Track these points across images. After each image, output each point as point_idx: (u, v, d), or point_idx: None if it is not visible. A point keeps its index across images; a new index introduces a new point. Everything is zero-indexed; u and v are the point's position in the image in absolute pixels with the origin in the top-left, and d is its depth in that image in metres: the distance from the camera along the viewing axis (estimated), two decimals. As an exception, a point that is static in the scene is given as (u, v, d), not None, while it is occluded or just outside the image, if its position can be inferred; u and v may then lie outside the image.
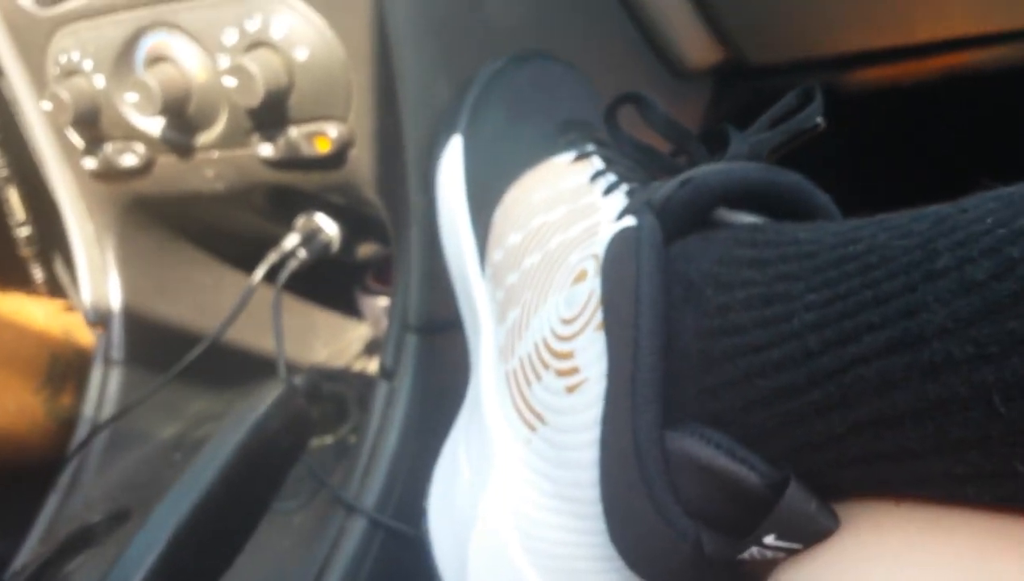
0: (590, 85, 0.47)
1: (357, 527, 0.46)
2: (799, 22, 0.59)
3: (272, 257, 0.58)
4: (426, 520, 0.37)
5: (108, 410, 0.62)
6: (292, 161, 0.52)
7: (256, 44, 0.48)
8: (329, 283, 0.70)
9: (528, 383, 0.30)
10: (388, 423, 0.48)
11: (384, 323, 0.66)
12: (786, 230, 0.24)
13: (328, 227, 0.60)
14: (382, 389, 0.50)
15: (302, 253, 0.59)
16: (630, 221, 0.27)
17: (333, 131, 0.49)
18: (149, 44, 0.52)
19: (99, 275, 0.63)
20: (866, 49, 0.61)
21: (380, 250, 0.65)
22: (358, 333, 0.77)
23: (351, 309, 0.74)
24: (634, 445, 0.23)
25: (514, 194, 0.38)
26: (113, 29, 0.53)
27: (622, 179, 0.34)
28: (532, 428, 0.29)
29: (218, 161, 0.55)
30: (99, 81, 0.54)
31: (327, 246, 0.60)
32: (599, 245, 0.28)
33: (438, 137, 0.44)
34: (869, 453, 0.20)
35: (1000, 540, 0.18)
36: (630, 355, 0.24)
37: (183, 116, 0.53)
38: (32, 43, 0.57)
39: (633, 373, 0.24)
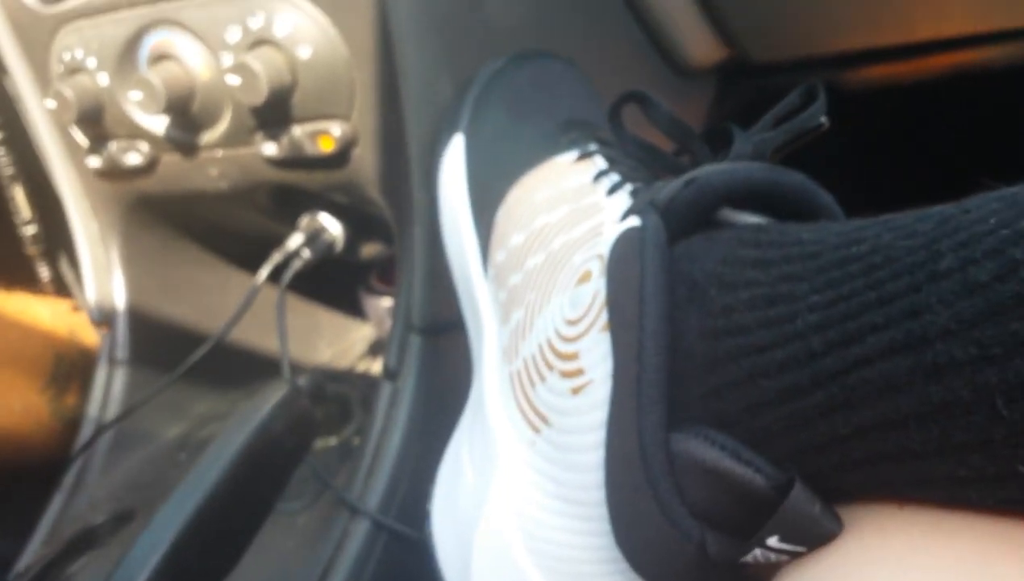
0: (590, 84, 0.47)
1: (361, 528, 0.46)
2: (802, 21, 0.58)
3: (276, 257, 0.58)
4: (429, 523, 0.37)
5: (112, 410, 0.62)
6: (296, 160, 0.52)
7: (259, 42, 0.48)
8: (333, 283, 0.70)
9: (532, 384, 0.30)
10: (392, 424, 0.48)
11: (388, 324, 0.66)
12: (790, 230, 0.24)
13: (332, 227, 0.60)
14: (386, 390, 0.50)
15: (306, 253, 0.59)
16: (634, 221, 0.27)
17: (336, 130, 0.49)
18: (153, 42, 0.52)
19: (103, 274, 0.63)
20: (868, 47, 0.60)
21: (384, 250, 0.65)
22: (362, 333, 0.77)
23: (355, 309, 0.74)
24: (639, 447, 0.23)
25: (516, 194, 0.38)
26: (117, 27, 0.53)
27: (625, 179, 0.34)
28: (536, 430, 0.29)
29: (222, 160, 0.55)
30: (103, 79, 0.54)
31: (331, 246, 0.60)
32: (603, 245, 0.28)
33: (440, 136, 0.44)
34: (872, 455, 0.20)
35: (1003, 543, 0.18)
36: (635, 356, 0.24)
37: (187, 114, 0.53)
38: (36, 40, 0.57)
39: (638, 374, 0.24)
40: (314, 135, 0.50)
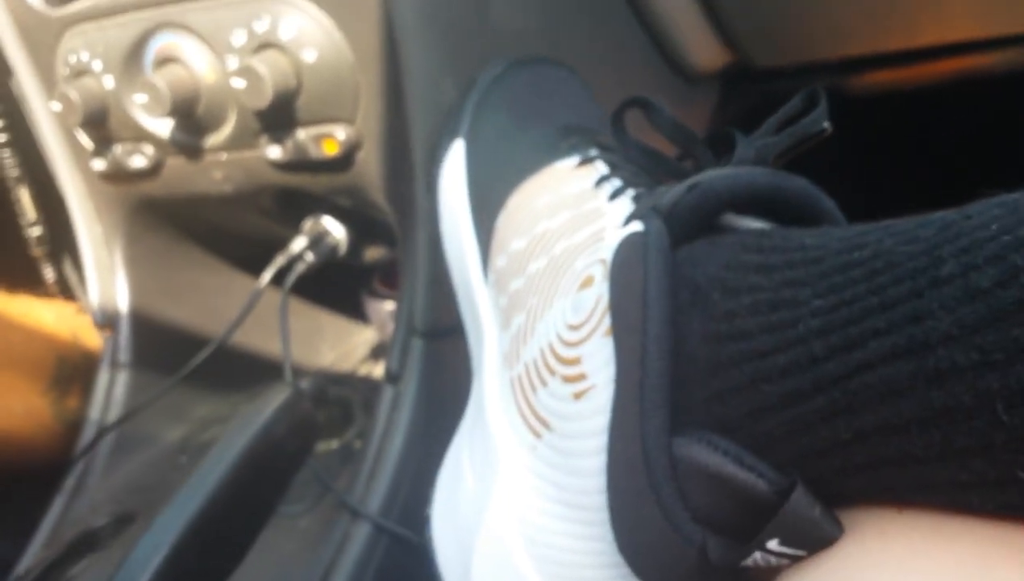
0: (589, 89, 0.47)
1: (361, 532, 0.46)
2: (806, 26, 0.59)
3: (279, 260, 0.58)
4: (430, 528, 0.37)
5: (114, 413, 0.62)
6: (300, 163, 0.52)
7: (265, 45, 0.48)
8: (335, 286, 0.71)
9: (534, 389, 0.30)
10: (393, 427, 0.48)
11: (390, 327, 0.66)
12: (792, 236, 0.24)
13: (335, 230, 0.60)
14: (387, 393, 0.50)
15: (309, 256, 0.59)
16: (637, 226, 0.27)
17: (341, 133, 0.50)
18: (158, 45, 0.52)
19: (107, 277, 0.63)
20: (872, 53, 0.60)
21: (387, 253, 0.65)
22: (364, 337, 0.77)
23: (357, 313, 0.74)
24: (642, 451, 0.23)
25: (517, 199, 0.38)
26: (122, 30, 0.53)
27: (627, 184, 0.34)
28: (538, 435, 0.29)
29: (226, 163, 0.55)
30: (108, 82, 0.54)
31: (334, 249, 0.60)
32: (606, 250, 0.28)
33: (440, 141, 0.44)
34: (874, 460, 0.20)
35: (1003, 548, 0.18)
36: (638, 361, 0.24)
37: (192, 117, 0.53)
38: (42, 43, 0.57)
39: (641, 379, 0.24)
40: (318, 138, 0.50)
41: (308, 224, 0.60)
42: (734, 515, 0.22)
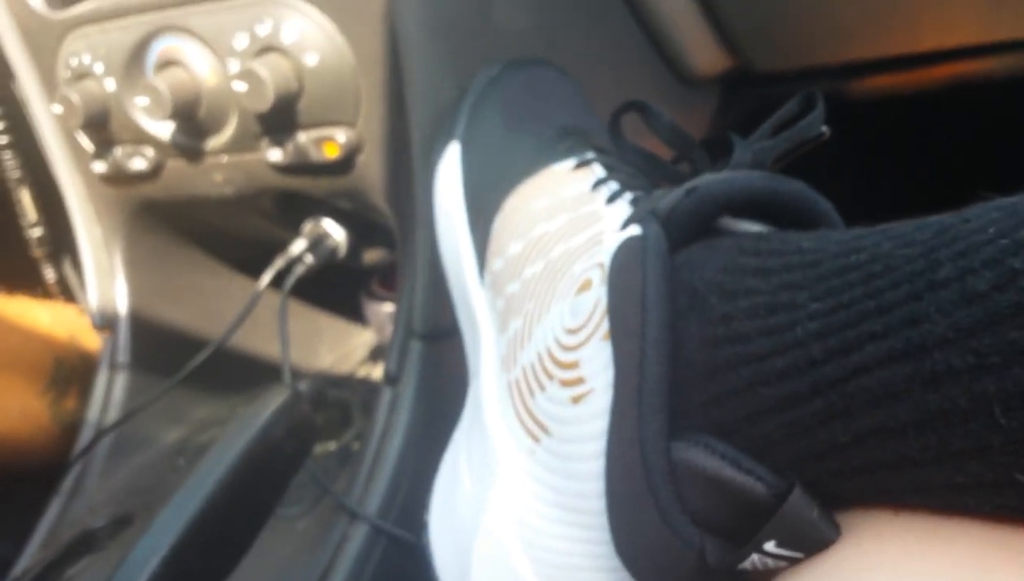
0: (583, 91, 0.47)
1: (360, 533, 0.46)
2: (806, 30, 0.59)
3: (279, 262, 0.58)
4: (427, 532, 0.37)
5: (112, 414, 0.62)
6: (300, 166, 0.52)
7: (266, 49, 0.48)
8: (335, 288, 0.71)
9: (531, 393, 0.30)
10: (392, 429, 0.48)
11: (389, 329, 0.66)
12: (790, 239, 0.24)
13: (335, 232, 0.60)
14: (386, 395, 0.50)
15: (309, 258, 0.59)
16: (635, 230, 0.27)
17: (342, 136, 0.50)
18: (160, 48, 0.52)
19: (106, 278, 0.63)
20: (872, 57, 0.61)
21: (386, 256, 0.65)
22: (363, 339, 0.77)
23: (356, 315, 0.74)
24: (640, 455, 0.23)
25: (514, 202, 0.38)
26: (124, 33, 0.53)
27: (624, 187, 0.34)
28: (536, 439, 0.29)
29: (227, 165, 0.55)
30: (110, 84, 0.54)
31: (334, 251, 0.60)
32: (604, 254, 0.28)
33: (435, 143, 0.45)
34: (871, 462, 0.20)
35: (1000, 549, 0.18)
36: (636, 365, 0.24)
37: (193, 120, 0.53)
38: (43, 46, 0.57)
39: (639, 383, 0.24)
40: (319, 141, 0.50)
41: (308, 226, 0.60)
42: (732, 518, 0.22)
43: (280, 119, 0.50)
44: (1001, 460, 0.18)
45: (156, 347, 0.64)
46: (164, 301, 0.65)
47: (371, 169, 0.51)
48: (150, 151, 0.56)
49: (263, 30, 0.48)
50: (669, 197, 0.27)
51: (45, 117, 0.60)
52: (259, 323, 0.62)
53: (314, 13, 0.47)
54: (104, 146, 0.58)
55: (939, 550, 0.19)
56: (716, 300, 0.24)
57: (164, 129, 0.55)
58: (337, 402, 0.65)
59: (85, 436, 0.60)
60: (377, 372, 0.74)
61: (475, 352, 0.39)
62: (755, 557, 0.22)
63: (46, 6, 0.56)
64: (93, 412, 0.61)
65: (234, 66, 0.50)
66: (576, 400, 0.27)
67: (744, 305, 0.23)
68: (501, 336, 0.35)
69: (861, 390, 0.19)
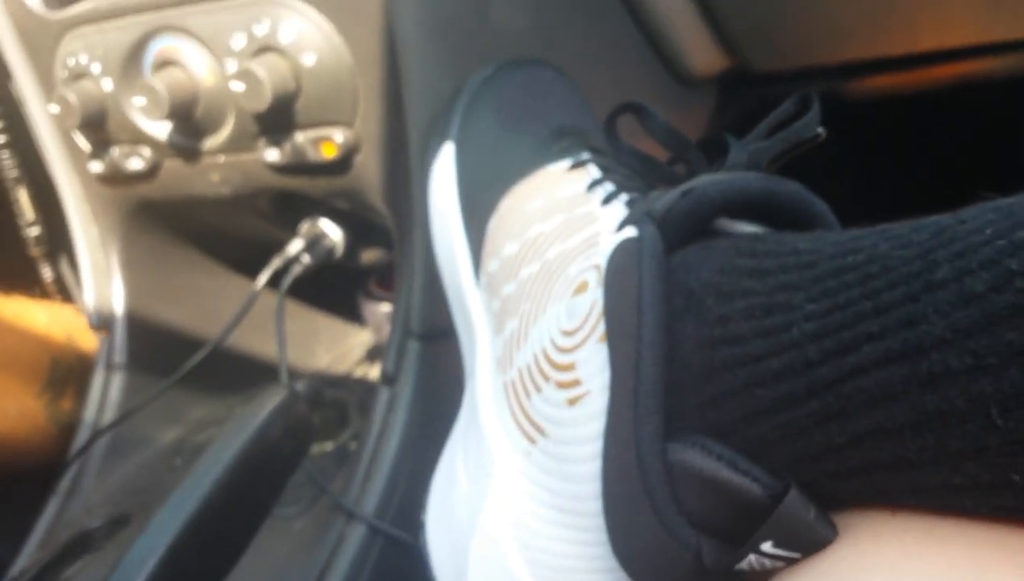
0: (580, 91, 0.47)
1: (357, 533, 0.46)
2: (804, 30, 0.59)
3: (276, 262, 0.58)
4: (424, 532, 0.37)
5: (109, 414, 0.62)
6: (298, 166, 0.52)
7: (264, 49, 0.48)
8: (332, 288, 0.71)
9: (528, 395, 0.30)
10: (389, 429, 0.48)
11: (386, 329, 0.66)
12: (786, 240, 0.24)
13: (332, 232, 0.60)
14: (383, 395, 0.50)
15: (306, 258, 0.59)
16: (631, 232, 0.27)
17: (339, 136, 0.50)
18: (157, 48, 0.52)
19: (103, 279, 0.63)
20: (871, 57, 0.61)
21: (383, 256, 0.65)
22: (360, 339, 0.77)
23: (353, 315, 0.74)
24: (637, 457, 0.23)
25: (509, 203, 0.38)
26: (122, 33, 0.53)
27: (619, 188, 0.34)
28: (532, 440, 0.29)
29: (224, 166, 0.55)
30: (107, 84, 0.54)
31: (331, 252, 0.60)
32: (600, 256, 0.28)
33: (429, 143, 0.45)
34: (868, 463, 0.20)
35: (996, 550, 0.18)
36: (633, 367, 0.24)
37: (190, 120, 0.53)
38: (41, 46, 0.57)
39: (635, 385, 0.24)
40: (317, 141, 0.50)
41: (305, 226, 0.60)
42: (729, 519, 0.22)
43: (277, 119, 0.50)
44: (998, 461, 0.18)
45: (153, 347, 0.64)
46: (161, 301, 0.65)
47: (368, 169, 0.51)
48: (147, 151, 0.56)
49: (261, 30, 0.48)
50: (665, 198, 0.27)
51: (42, 117, 0.60)
52: (256, 323, 0.61)
53: (312, 13, 0.47)
54: (101, 146, 0.58)
55: (936, 550, 0.19)
56: (712, 301, 0.24)
57: (161, 129, 0.55)
58: (334, 402, 0.65)
59: (82, 436, 0.60)
60: (374, 372, 0.74)
61: (471, 353, 0.39)
62: (752, 558, 0.22)
63: (43, 6, 0.56)
64: (90, 412, 0.61)
65: (231, 66, 0.50)
66: (572, 402, 0.27)
67: (740, 306, 0.23)
68: (497, 337, 0.35)
69: (857, 391, 0.19)
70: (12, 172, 0.66)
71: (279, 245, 0.59)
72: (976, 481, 0.18)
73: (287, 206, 0.59)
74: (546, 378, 0.29)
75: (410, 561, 0.45)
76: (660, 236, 0.26)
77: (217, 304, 0.67)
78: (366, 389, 0.66)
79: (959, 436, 0.18)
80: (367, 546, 0.46)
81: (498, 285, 0.36)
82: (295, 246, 0.59)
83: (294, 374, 0.70)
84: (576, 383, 0.27)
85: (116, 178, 0.59)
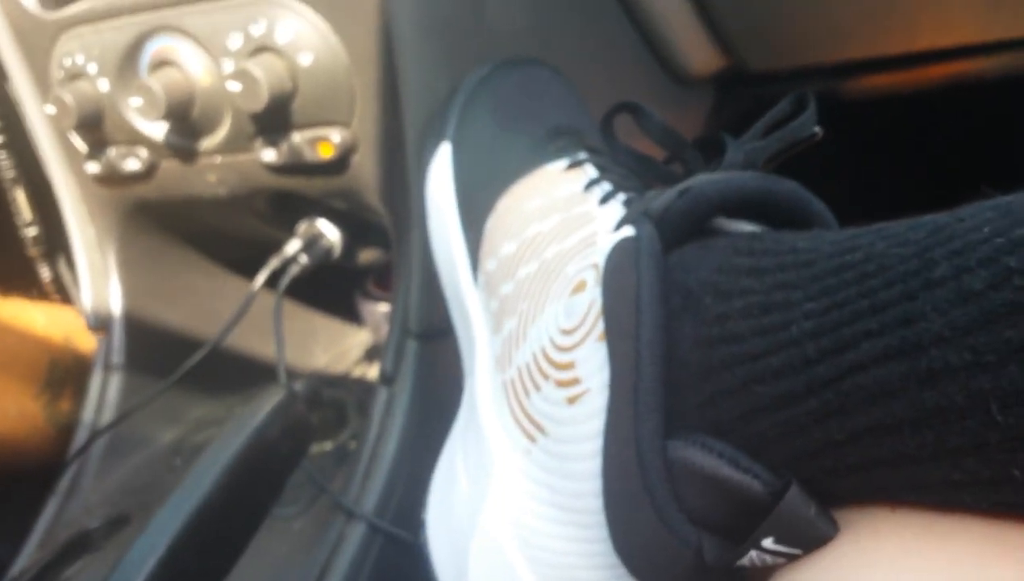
0: (576, 90, 0.47)
1: (356, 533, 0.46)
2: (801, 29, 0.59)
3: (273, 262, 0.58)
4: (424, 531, 0.37)
5: (108, 415, 0.62)
6: (295, 166, 0.52)
7: (261, 49, 0.48)
8: (330, 289, 0.71)
9: (527, 393, 0.30)
10: (388, 429, 0.48)
11: (384, 329, 0.66)
12: (784, 239, 0.24)
13: (330, 233, 0.60)
14: (382, 395, 0.50)
15: (303, 259, 0.59)
16: (629, 231, 0.27)
17: (336, 136, 0.50)
18: (154, 48, 0.52)
19: (100, 279, 0.63)
20: (868, 57, 0.61)
21: (381, 256, 0.65)
22: (358, 339, 0.77)
23: (352, 315, 0.74)
24: (636, 455, 0.23)
25: (506, 203, 0.38)
26: (118, 33, 0.53)
27: (617, 188, 0.34)
28: (532, 439, 0.29)
29: (221, 166, 0.55)
30: (103, 85, 0.54)
31: (329, 252, 0.60)
32: (598, 255, 0.28)
33: (426, 144, 0.45)
34: (867, 460, 0.20)
35: (996, 545, 0.18)
36: (631, 365, 0.24)
37: (187, 121, 0.53)
38: (37, 46, 0.57)
39: (635, 383, 0.24)
40: (314, 141, 0.50)
41: (302, 226, 0.60)
42: (729, 516, 0.22)
43: (274, 119, 0.50)
44: (998, 457, 0.18)
45: (151, 348, 0.64)
46: (159, 302, 0.65)
47: (366, 169, 0.51)
48: (144, 151, 0.56)
49: (257, 30, 0.48)
50: (662, 198, 0.27)
51: (38, 117, 0.60)
52: (254, 323, 0.61)
53: (308, 13, 0.47)
54: (97, 147, 0.58)
55: (936, 546, 0.19)
56: (710, 300, 0.24)
57: (158, 129, 0.55)
58: (333, 402, 0.65)
59: (81, 437, 0.60)
60: (373, 372, 0.74)
61: (469, 352, 0.39)
62: (753, 554, 0.22)
63: (39, 6, 0.56)
64: (88, 413, 0.61)
65: (228, 66, 0.50)
66: (572, 400, 0.27)
67: (738, 305, 0.23)
68: (495, 336, 0.35)
69: (856, 388, 0.19)
70: (9, 172, 0.66)
71: (277, 245, 0.59)
72: (975, 477, 0.18)
73: (284, 206, 0.59)
74: (545, 377, 0.29)
75: (410, 560, 0.45)
76: (658, 235, 0.26)
77: (215, 304, 0.67)
78: (365, 389, 0.66)
79: (958, 432, 0.18)
80: (367, 545, 0.46)
81: (496, 284, 0.36)
82: (293, 246, 0.59)
83: (292, 374, 0.70)
84: (575, 381, 0.27)
85: (113, 178, 0.59)
